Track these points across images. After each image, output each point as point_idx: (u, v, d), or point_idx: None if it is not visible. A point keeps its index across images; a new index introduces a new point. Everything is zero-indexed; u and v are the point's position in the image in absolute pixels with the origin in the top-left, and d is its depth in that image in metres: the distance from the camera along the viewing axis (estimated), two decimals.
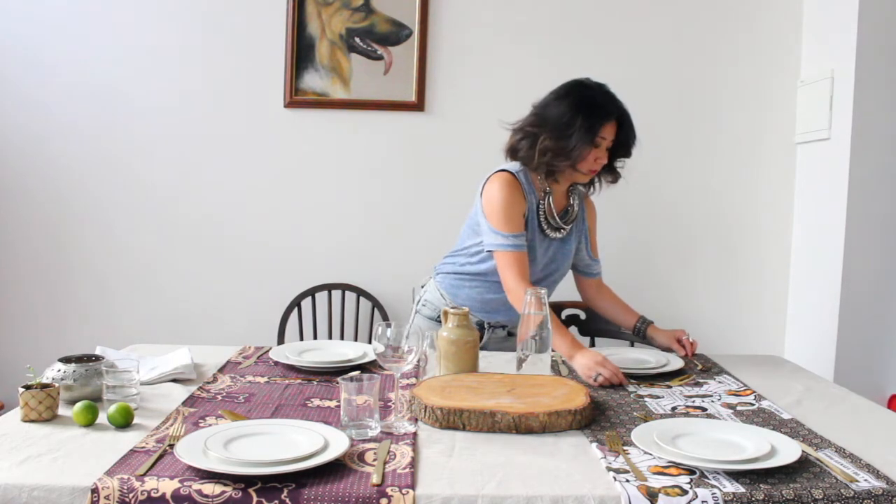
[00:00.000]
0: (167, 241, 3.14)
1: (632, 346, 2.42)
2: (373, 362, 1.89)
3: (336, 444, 1.27)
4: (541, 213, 2.10)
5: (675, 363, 1.92)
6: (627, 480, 1.18)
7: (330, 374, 1.82)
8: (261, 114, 3.10)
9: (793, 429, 1.46)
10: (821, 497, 1.15)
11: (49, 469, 1.19)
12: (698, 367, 1.96)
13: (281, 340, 3.04)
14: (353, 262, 3.15)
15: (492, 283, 2.12)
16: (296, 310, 3.09)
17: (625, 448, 1.33)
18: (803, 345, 3.03)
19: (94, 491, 1.13)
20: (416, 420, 1.47)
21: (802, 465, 1.26)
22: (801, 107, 3.08)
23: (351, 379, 1.41)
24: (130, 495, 1.12)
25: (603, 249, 2.35)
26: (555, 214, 2.11)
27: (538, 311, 1.69)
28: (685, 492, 1.15)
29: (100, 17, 3.06)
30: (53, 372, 1.55)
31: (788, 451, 1.28)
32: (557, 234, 2.14)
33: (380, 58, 3.07)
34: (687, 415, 1.55)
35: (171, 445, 1.29)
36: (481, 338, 2.13)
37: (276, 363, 1.91)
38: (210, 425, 1.41)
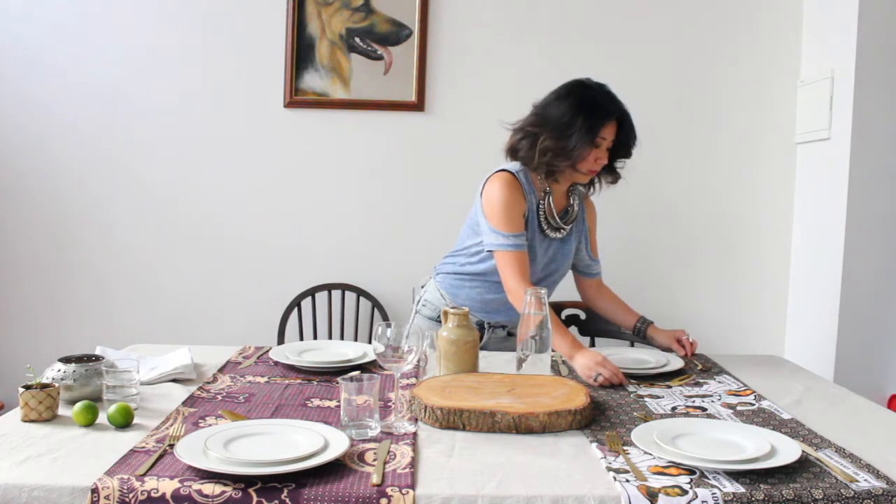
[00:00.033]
0: (167, 241, 3.14)
1: (632, 346, 2.42)
2: (373, 362, 1.89)
3: (336, 444, 1.27)
4: (541, 213, 2.10)
5: (675, 363, 1.92)
6: (627, 480, 1.18)
7: (330, 374, 1.82)
8: (261, 114, 3.10)
9: (793, 429, 1.46)
10: (821, 497, 1.15)
11: (49, 469, 1.19)
12: (698, 367, 1.96)
13: (281, 340, 3.04)
14: (353, 262, 3.15)
15: (492, 283, 2.12)
16: (296, 310, 3.09)
17: (625, 448, 1.33)
18: (803, 345, 3.03)
19: (94, 491, 1.13)
20: (416, 420, 1.47)
21: (802, 465, 1.26)
22: (801, 107, 3.08)
23: (351, 379, 1.41)
24: (130, 495, 1.12)
25: (603, 249, 2.35)
26: (555, 214, 2.11)
27: (538, 311, 1.69)
28: (685, 492, 1.15)
29: (100, 17, 3.06)
30: (53, 372, 1.55)
31: (788, 451, 1.28)
32: (557, 234, 2.14)
33: (380, 58, 3.07)
34: (687, 415, 1.55)
35: (171, 445, 1.29)
36: (481, 338, 2.13)
37: (276, 363, 1.91)
38: (210, 425, 1.41)
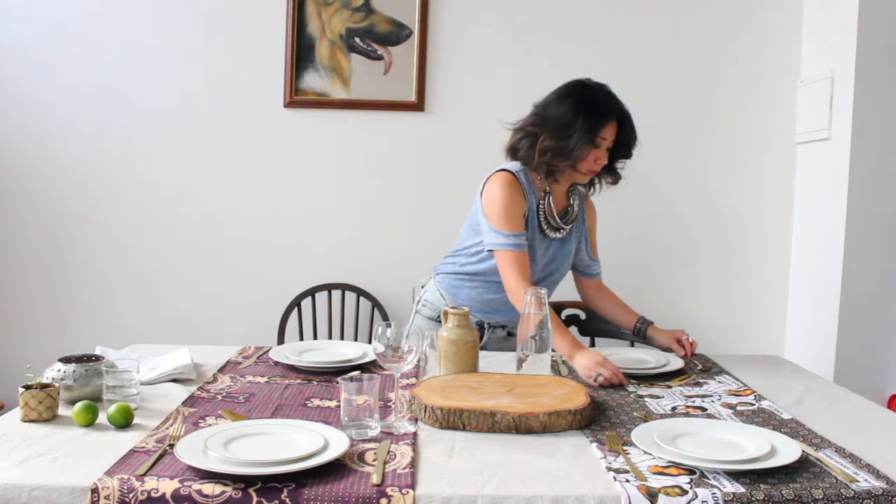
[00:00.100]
0: (167, 241, 3.14)
1: (632, 346, 2.42)
2: (373, 362, 1.89)
3: (336, 444, 1.27)
4: (541, 212, 2.10)
5: (675, 363, 1.92)
6: (627, 480, 1.18)
7: (330, 374, 1.82)
8: (261, 114, 3.10)
9: (793, 429, 1.46)
10: (821, 497, 1.15)
11: (49, 469, 1.19)
12: (698, 367, 1.96)
13: (281, 340, 3.04)
14: (353, 262, 3.15)
15: (492, 283, 2.12)
16: (296, 310, 3.09)
17: (625, 448, 1.33)
18: (803, 345, 3.03)
19: (94, 491, 1.13)
20: (416, 420, 1.47)
21: (802, 465, 1.26)
22: (801, 107, 3.08)
23: (351, 379, 1.41)
24: (130, 495, 1.12)
25: (603, 249, 2.35)
26: (555, 214, 2.11)
27: (538, 311, 1.69)
28: (685, 492, 1.15)
29: (100, 17, 3.06)
30: (53, 372, 1.55)
31: (788, 451, 1.28)
32: (557, 234, 2.14)
33: (380, 58, 3.07)
34: (687, 415, 1.55)
35: (171, 445, 1.29)
36: (481, 338, 2.13)
37: (276, 363, 1.91)
38: (210, 425, 1.41)
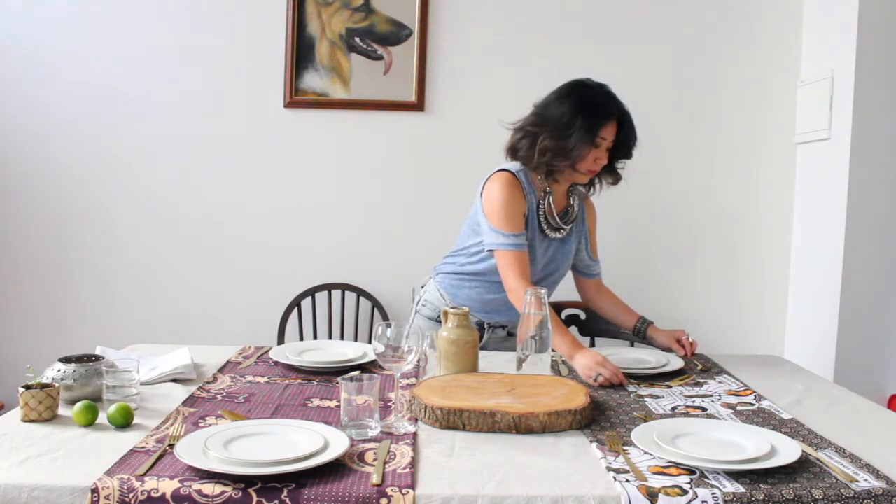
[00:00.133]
0: (167, 241, 3.14)
1: (632, 346, 2.42)
2: (373, 362, 1.89)
3: (336, 444, 1.27)
4: (541, 212, 2.10)
5: (675, 363, 1.92)
6: (627, 480, 1.18)
7: (330, 374, 1.82)
8: (261, 114, 3.10)
9: (793, 429, 1.46)
10: (821, 497, 1.15)
11: (49, 469, 1.19)
12: (698, 367, 1.96)
13: (281, 340, 3.04)
14: (353, 262, 3.15)
15: (492, 283, 2.12)
16: (296, 310, 3.09)
17: (625, 448, 1.33)
18: (803, 345, 3.03)
19: (94, 491, 1.13)
20: (416, 420, 1.47)
21: (802, 465, 1.26)
22: (801, 107, 3.08)
23: (351, 379, 1.41)
24: (130, 495, 1.12)
25: (603, 249, 2.35)
26: (555, 214, 2.11)
27: (538, 310, 1.69)
28: (685, 492, 1.15)
29: (100, 17, 3.06)
30: (53, 372, 1.55)
31: (788, 451, 1.28)
32: (557, 234, 2.14)
33: (380, 58, 3.07)
34: (687, 415, 1.55)
35: (171, 445, 1.29)
36: (481, 338, 2.13)
37: (276, 363, 1.91)
38: (210, 425, 1.41)
